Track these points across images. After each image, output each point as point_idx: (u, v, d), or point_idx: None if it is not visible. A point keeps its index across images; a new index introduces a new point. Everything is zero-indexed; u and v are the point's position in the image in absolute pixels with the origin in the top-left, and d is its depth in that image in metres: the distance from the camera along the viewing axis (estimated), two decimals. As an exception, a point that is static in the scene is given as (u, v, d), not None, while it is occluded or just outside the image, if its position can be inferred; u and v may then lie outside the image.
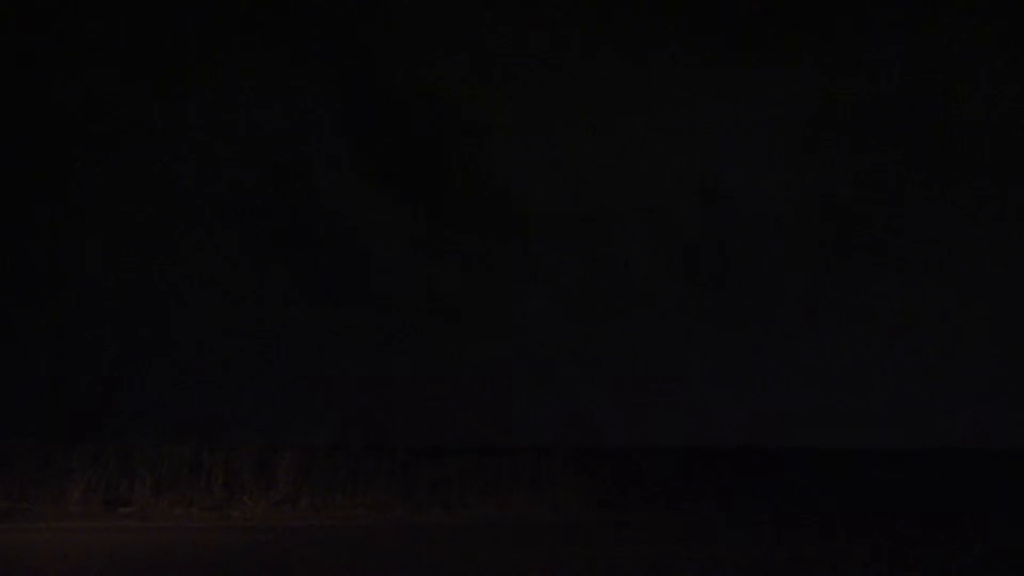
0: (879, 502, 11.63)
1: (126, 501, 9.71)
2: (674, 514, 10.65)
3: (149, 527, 8.57)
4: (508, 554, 7.08)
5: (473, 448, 11.58)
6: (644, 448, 12.36)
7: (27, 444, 10.21)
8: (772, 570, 6.38)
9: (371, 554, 7.13)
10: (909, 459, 13.51)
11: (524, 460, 11.37)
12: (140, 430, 10.21)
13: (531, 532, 8.66)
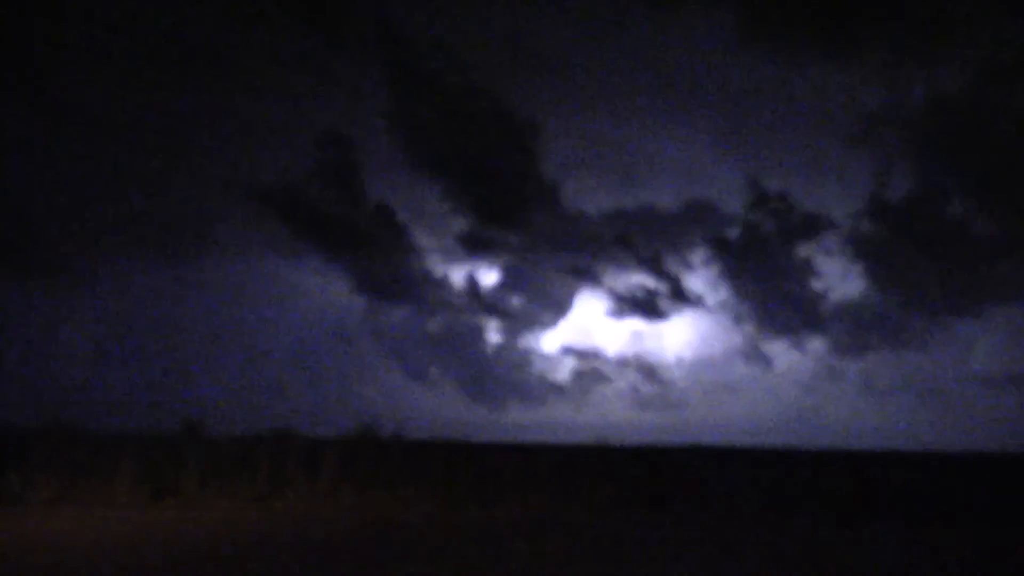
0: (912, 505, 11.46)
1: (173, 491, 9.86)
2: (712, 514, 10.45)
3: (194, 517, 8.69)
4: (541, 551, 7.07)
5: (510, 447, 11.61)
6: (678, 449, 12.29)
7: (78, 434, 10.41)
8: (814, 570, 6.31)
9: (407, 549, 7.14)
10: (947, 464, 13.26)
11: (561, 459, 11.45)
12: (189, 422, 10.37)
13: (567, 530, 8.62)
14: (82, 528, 7.75)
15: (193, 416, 10.42)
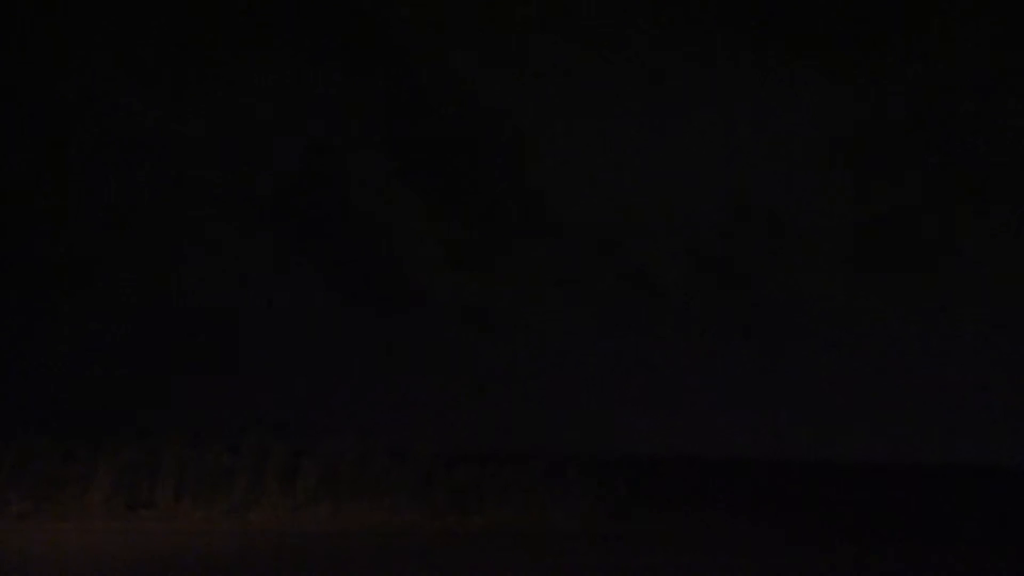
0: (902, 519, 11.49)
1: (148, 503, 9.72)
2: (693, 525, 10.49)
3: (169, 530, 8.58)
4: (522, 562, 7.05)
5: (493, 455, 11.52)
6: (665, 458, 12.25)
7: (51, 444, 10.23)
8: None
9: (385, 560, 7.10)
10: (935, 476, 13.33)
11: (543, 468, 11.34)
12: (164, 432, 10.23)
13: (547, 540, 8.60)
14: (55, 542, 7.61)
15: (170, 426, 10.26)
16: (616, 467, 11.60)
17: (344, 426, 10.96)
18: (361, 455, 10.65)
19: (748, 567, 7.13)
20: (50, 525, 8.60)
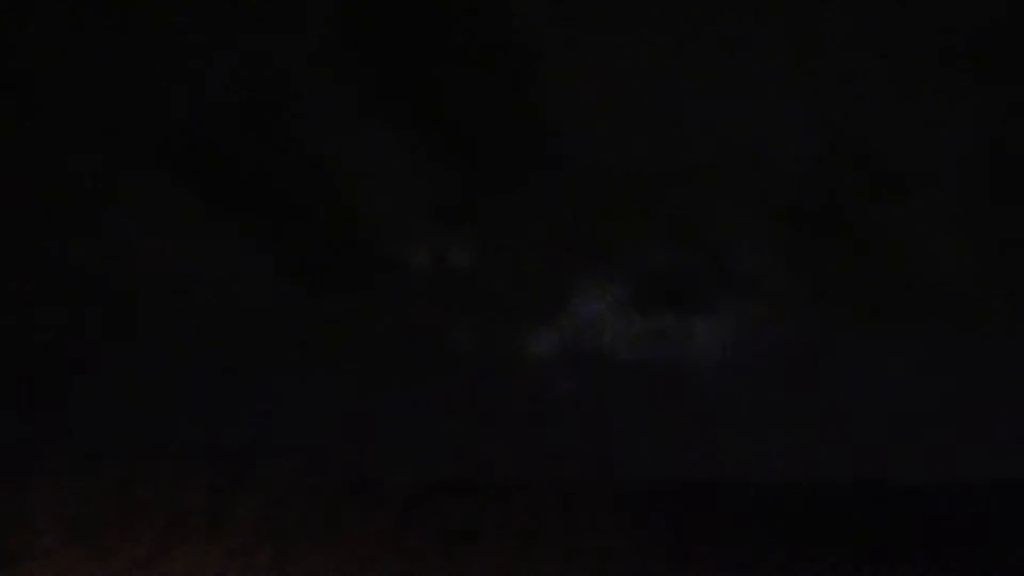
0: (973, 544, 9.86)
1: (24, 555, 8.06)
2: (761, 567, 8.89)
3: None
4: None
5: (487, 485, 9.95)
6: (711, 483, 10.60)
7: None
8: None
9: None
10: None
11: (553, 499, 9.84)
12: (45, 458, 8.59)
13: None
14: None
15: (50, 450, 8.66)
16: (650, 495, 9.95)
17: (291, 447, 9.42)
18: (314, 486, 9.18)
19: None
20: None
